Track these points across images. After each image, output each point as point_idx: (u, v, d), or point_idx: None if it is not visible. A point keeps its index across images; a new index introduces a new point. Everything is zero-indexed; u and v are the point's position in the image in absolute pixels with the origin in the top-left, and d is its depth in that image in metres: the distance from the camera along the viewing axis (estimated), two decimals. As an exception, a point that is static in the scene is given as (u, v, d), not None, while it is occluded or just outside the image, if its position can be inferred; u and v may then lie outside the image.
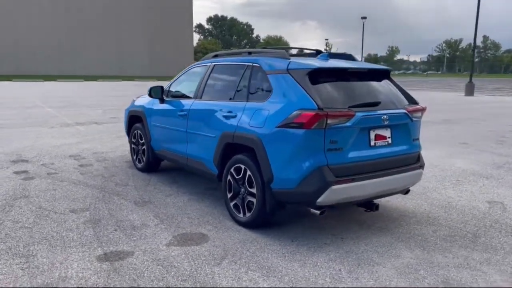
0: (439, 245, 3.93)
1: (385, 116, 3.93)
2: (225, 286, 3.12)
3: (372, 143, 3.94)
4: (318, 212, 3.81)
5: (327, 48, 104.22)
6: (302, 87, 3.81)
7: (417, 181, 4.43)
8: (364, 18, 55.75)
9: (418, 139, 4.41)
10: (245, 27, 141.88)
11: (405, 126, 4.20)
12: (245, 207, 4.22)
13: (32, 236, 3.93)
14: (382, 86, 4.34)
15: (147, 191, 5.43)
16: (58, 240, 3.86)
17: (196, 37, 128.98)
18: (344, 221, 4.51)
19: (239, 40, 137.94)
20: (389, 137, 4.07)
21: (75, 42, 42.96)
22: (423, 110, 4.39)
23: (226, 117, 4.45)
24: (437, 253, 3.76)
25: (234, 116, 4.34)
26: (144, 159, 6.27)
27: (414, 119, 4.25)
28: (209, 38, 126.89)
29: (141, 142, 6.32)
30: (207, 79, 5.11)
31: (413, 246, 3.90)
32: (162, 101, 5.76)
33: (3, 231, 4.02)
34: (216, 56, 5.42)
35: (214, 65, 5.14)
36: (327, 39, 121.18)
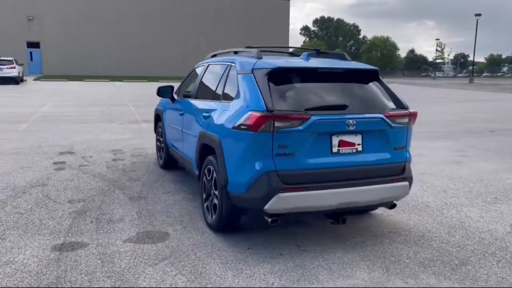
0: (409, 269, 3.45)
1: (351, 121, 3.56)
2: (142, 287, 3.10)
3: (335, 149, 3.60)
4: (269, 219, 3.59)
5: (439, 49, 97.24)
6: (259, 88, 3.62)
7: (402, 195, 3.94)
8: (479, 15, 51.05)
9: (404, 148, 3.92)
10: (351, 28, 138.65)
11: (381, 133, 3.76)
12: (212, 209, 4.15)
13: (17, 222, 4.29)
14: (361, 88, 3.95)
15: (151, 187, 5.61)
16: (36, 227, 4.17)
17: (302, 39, 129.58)
18: (322, 232, 4.19)
19: (345, 41, 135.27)
20: (358, 144, 3.68)
21: (168, 44, 43.92)
22: (410, 115, 3.90)
23: (204, 117, 4.41)
24: (398, 278, 3.31)
25: (209, 116, 4.28)
26: (162, 156, 6.49)
27: (395, 125, 3.79)
28: (314, 40, 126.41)
29: (161, 139, 6.55)
30: (201, 78, 5.13)
31: (376, 267, 3.48)
32: (173, 100, 5.90)
33: (1, 214, 4.45)
34: (214, 56, 5.40)
35: (208, 65, 5.13)
36: (437, 39, 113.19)
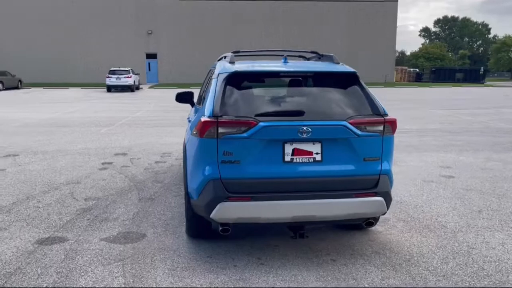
0: (361, 296, 3.07)
1: (304, 128, 3.28)
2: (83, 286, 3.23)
3: (288, 158, 3.34)
4: (220, 228, 3.47)
5: None
6: (215, 92, 3.54)
7: (375, 212, 3.50)
8: None
9: (378, 159, 3.48)
10: (479, 27, 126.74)
11: (345, 142, 3.39)
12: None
13: (29, 215, 4.76)
14: (331, 93, 3.62)
15: (168, 189, 5.79)
16: (39, 221, 4.58)
17: (421, 41, 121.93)
18: (297, 246, 3.91)
19: (471, 41, 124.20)
20: (317, 153, 3.37)
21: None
22: (385, 123, 3.45)
23: (189, 121, 4.44)
24: (340, 304, 2.96)
25: (189, 122, 4.30)
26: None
27: (363, 133, 3.39)
28: (435, 42, 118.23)
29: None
30: (205, 83, 5.15)
31: (324, 290, 3.16)
32: (192, 105, 6.02)
33: (22, 207, 4.99)
34: (220, 59, 5.38)
35: (210, 69, 5.13)
36: None
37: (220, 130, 3.28)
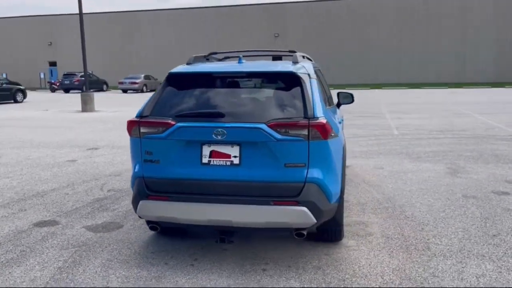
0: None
1: (219, 130, 3.19)
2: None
3: (205, 160, 3.28)
4: (148, 226, 3.58)
5: None
6: (155, 93, 3.65)
7: (298, 222, 3.20)
8: None
9: (303, 165, 3.19)
10: None
11: (264, 146, 3.18)
12: None
13: (53, 200, 5.46)
14: (262, 93, 3.43)
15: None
16: (55, 206, 5.22)
17: None
18: (249, 252, 3.79)
19: None
20: (235, 157, 3.24)
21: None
22: (309, 127, 3.14)
23: None
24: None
25: None
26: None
27: (282, 137, 3.14)
28: None
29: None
30: None
31: (223, 299, 3.04)
32: None
33: (55, 193, 5.74)
34: None
35: None
36: None
37: (142, 130, 3.38)
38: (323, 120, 3.22)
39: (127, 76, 36.28)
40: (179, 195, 3.31)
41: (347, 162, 7.35)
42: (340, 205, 3.63)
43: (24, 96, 26.53)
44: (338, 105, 5.87)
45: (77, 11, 19.29)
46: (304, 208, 3.15)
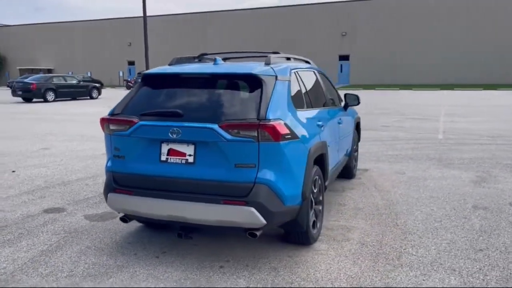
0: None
1: (175, 129, 3.32)
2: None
3: (163, 157, 3.44)
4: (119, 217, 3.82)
5: None
6: (131, 92, 3.87)
7: (247, 222, 3.24)
8: None
9: (253, 166, 3.22)
10: None
11: (216, 146, 3.26)
12: None
13: (73, 189, 5.93)
14: (222, 95, 3.50)
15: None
16: (71, 194, 5.68)
17: None
18: (218, 249, 3.90)
19: None
20: (190, 155, 3.36)
21: None
22: (259, 128, 3.17)
23: None
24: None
25: None
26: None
27: (232, 138, 3.20)
28: None
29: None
30: None
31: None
32: None
33: (78, 183, 6.23)
34: None
35: None
36: None
37: (111, 127, 3.61)
38: (275, 122, 3.23)
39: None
40: (141, 190, 3.50)
41: (366, 166, 7.17)
42: (303, 208, 3.61)
43: (99, 93, 28.56)
44: (346, 106, 5.75)
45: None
46: (252, 209, 3.19)
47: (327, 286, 3.20)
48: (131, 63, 53.40)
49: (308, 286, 3.21)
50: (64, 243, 4.05)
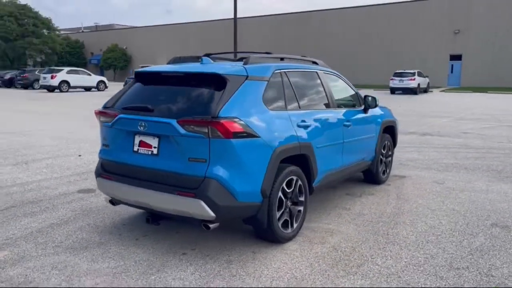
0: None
1: (142, 123, 3.64)
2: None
3: (135, 148, 3.78)
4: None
5: None
6: (124, 88, 4.29)
7: (197, 213, 3.42)
8: None
9: (203, 160, 3.39)
10: None
11: (173, 140, 3.50)
12: None
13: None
14: (191, 92, 3.72)
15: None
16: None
17: None
18: (196, 239, 4.16)
19: None
20: (155, 147, 3.65)
21: None
22: (209, 125, 3.32)
23: None
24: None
25: None
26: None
27: (186, 133, 3.41)
28: None
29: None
30: None
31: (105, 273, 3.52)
32: None
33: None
34: None
35: None
36: None
37: (101, 119, 4.05)
38: (226, 120, 3.36)
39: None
40: (118, 176, 3.89)
41: (406, 173, 6.78)
42: (263, 206, 3.67)
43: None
44: (366, 109, 5.56)
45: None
46: (201, 201, 3.37)
47: (265, 284, 3.25)
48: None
49: (248, 281, 3.29)
50: (73, 219, 4.63)
